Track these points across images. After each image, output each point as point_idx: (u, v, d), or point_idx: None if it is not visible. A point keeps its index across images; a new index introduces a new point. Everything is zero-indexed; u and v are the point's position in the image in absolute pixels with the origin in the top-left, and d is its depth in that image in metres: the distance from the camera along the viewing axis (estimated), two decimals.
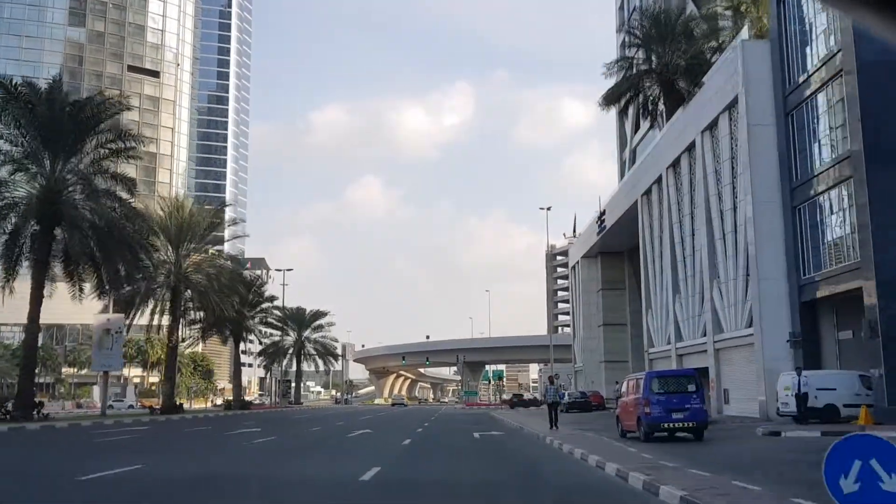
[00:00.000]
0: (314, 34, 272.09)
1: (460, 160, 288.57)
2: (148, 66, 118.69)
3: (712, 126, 30.84)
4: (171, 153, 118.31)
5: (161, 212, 40.85)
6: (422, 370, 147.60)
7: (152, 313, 40.20)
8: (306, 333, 77.88)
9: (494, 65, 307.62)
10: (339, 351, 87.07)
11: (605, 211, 50.95)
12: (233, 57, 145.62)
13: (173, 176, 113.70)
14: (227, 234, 57.53)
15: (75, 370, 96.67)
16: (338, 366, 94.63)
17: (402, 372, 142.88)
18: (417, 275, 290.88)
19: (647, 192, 40.61)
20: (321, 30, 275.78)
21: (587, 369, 58.48)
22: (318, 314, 78.26)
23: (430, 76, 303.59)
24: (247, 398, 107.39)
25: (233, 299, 40.02)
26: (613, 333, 55.60)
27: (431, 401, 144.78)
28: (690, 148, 33.57)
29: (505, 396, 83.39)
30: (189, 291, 40.36)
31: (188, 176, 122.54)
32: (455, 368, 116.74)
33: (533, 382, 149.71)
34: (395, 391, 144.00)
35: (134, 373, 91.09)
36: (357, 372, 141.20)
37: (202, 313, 43.06)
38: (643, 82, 40.36)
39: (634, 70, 39.87)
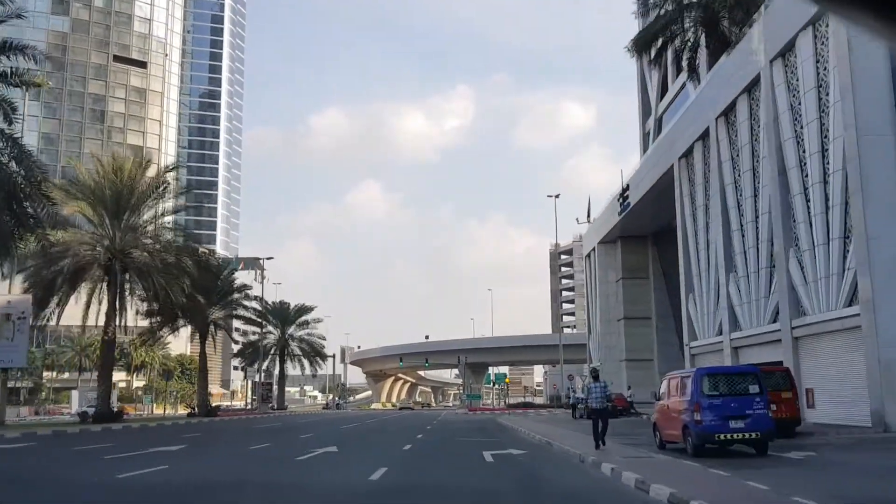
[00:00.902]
0: (313, 37, 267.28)
1: (460, 163, 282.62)
2: (135, 56, 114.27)
3: (786, 51, 23.92)
4: (159, 146, 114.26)
5: (96, 175, 33.37)
6: (421, 373, 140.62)
7: (88, 301, 32.64)
8: (290, 331, 70.45)
9: (495, 68, 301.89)
10: (328, 351, 79.77)
11: (628, 186, 44.16)
12: (225, 50, 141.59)
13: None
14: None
15: (55, 374, 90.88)
16: (327, 367, 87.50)
17: (400, 375, 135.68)
18: (417, 278, 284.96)
19: (687, 154, 33.70)
20: (321, 33, 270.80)
21: (606, 369, 51.93)
22: (304, 309, 70.70)
23: (431, 79, 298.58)
24: (236, 403, 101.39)
25: (182, 281, 32.52)
26: (636, 328, 50.21)
27: (434, 406, 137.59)
28: (752, 86, 26.65)
29: (511, 401, 76.89)
30: (129, 273, 32.58)
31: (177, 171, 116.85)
32: (456, 371, 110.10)
33: (537, 385, 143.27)
34: (394, 395, 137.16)
35: (118, 377, 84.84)
36: (357, 376, 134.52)
37: (147, 304, 35.68)
38: (682, 23, 33.99)
39: (673, 5, 33.24)
